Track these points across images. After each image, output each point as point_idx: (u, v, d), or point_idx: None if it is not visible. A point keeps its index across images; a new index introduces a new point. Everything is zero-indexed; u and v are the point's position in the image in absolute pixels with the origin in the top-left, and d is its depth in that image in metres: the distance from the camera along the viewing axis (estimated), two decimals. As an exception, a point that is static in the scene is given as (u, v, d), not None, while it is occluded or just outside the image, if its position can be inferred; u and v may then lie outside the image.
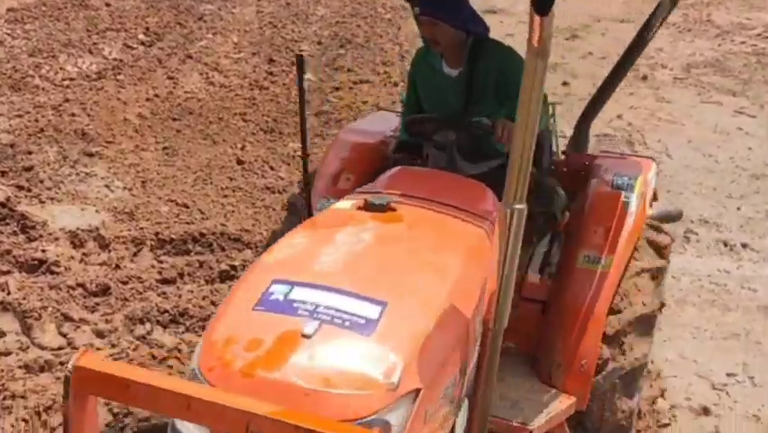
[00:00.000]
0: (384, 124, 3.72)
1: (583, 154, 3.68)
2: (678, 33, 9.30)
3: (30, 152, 5.81)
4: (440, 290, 2.11)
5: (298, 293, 1.98)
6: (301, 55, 2.85)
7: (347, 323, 1.90)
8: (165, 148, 6.11)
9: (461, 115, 3.12)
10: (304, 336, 1.84)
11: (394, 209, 2.44)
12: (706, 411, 3.76)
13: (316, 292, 1.98)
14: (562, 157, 3.71)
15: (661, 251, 3.33)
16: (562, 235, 3.23)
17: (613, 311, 2.99)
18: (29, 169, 5.59)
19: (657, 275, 3.23)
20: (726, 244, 5.22)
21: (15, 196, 5.21)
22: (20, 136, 6.04)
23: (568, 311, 2.96)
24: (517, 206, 1.91)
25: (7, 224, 4.90)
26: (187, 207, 5.26)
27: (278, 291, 1.99)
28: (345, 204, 2.55)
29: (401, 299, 2.02)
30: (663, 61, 8.46)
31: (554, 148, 3.55)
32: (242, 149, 6.17)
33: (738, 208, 5.70)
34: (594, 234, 3.07)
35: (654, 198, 3.69)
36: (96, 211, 5.21)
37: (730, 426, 3.70)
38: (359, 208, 2.45)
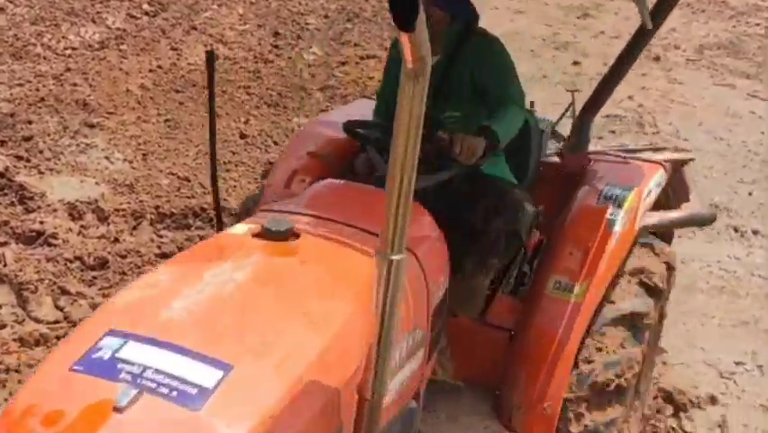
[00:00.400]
0: (363, 114, 3.16)
1: (582, 156, 3.30)
2: (691, 14, 9.13)
3: (30, 122, 5.72)
4: (309, 349, 1.76)
5: (130, 350, 1.65)
6: (212, 51, 2.53)
7: (174, 393, 1.56)
8: (167, 120, 6.02)
9: (429, 110, 2.80)
10: (115, 408, 1.52)
11: (298, 235, 2.08)
12: (713, 400, 3.69)
13: (151, 350, 1.65)
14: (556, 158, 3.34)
15: (651, 291, 2.89)
16: (542, 252, 2.91)
17: None
18: (28, 139, 5.50)
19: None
20: (736, 230, 5.13)
21: (14, 166, 5.13)
22: (20, 105, 5.94)
23: (532, 345, 2.64)
24: (395, 256, 1.59)
25: (5, 194, 4.83)
26: (189, 181, 5.18)
27: (108, 347, 1.67)
28: (242, 228, 2.18)
29: (254, 362, 1.68)
30: (676, 42, 8.32)
31: (545, 149, 3.23)
32: (246, 123, 6.07)
33: (750, 194, 5.60)
34: (569, 257, 2.71)
35: (686, 198, 3.47)
36: (96, 183, 5.13)
37: (738, 415, 3.62)
38: (255, 235, 2.08)
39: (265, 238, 2.05)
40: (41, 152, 5.39)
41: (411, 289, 2.07)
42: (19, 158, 5.26)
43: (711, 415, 3.61)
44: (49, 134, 5.61)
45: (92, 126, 5.78)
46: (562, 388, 2.59)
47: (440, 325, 2.36)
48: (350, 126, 2.77)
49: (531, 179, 3.04)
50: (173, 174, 5.25)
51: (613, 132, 6.36)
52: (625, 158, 3.41)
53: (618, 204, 2.82)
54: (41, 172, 5.17)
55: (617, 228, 2.76)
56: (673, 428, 3.50)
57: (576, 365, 2.65)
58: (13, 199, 4.80)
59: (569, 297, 2.64)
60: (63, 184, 5.08)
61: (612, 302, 2.76)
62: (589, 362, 2.66)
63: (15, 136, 5.51)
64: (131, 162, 5.40)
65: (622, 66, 3.19)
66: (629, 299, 2.78)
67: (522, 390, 2.62)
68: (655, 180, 3.12)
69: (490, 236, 2.67)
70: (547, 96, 7.07)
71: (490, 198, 2.71)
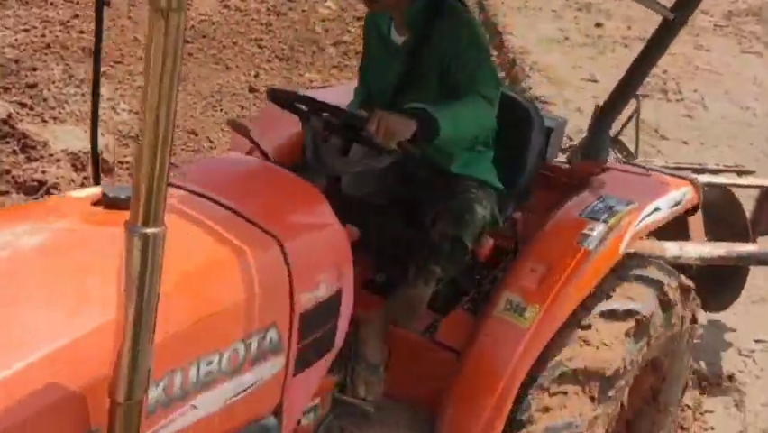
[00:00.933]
0: (349, 93, 2.81)
1: (594, 163, 2.85)
2: (720, -22, 8.85)
3: (35, 69, 5.58)
4: (59, 335, 1.45)
5: None
6: None
7: None
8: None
9: (395, 98, 2.45)
10: None
11: None
12: (731, 378, 3.57)
13: None
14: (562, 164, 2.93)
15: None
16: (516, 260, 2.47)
17: None
18: (33, 86, 5.36)
19: None
20: (760, 203, 4.95)
21: (17, 113, 4.99)
22: (25, 51, 5.80)
23: (468, 373, 2.26)
24: (150, 229, 1.30)
25: (7, 142, 4.69)
26: (195, 135, 5.06)
27: None
28: (86, 191, 1.92)
29: None
30: (704, 7, 8.02)
31: (553, 151, 2.80)
32: (256, 76, 5.92)
33: (775, 165, 5.41)
34: (529, 274, 2.30)
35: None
36: (101, 134, 4.95)
37: (756, 394, 3.50)
38: (95, 202, 1.82)
39: (103, 205, 1.79)
40: (44, 99, 5.25)
41: (262, 281, 1.77)
42: (22, 105, 5.12)
43: (729, 393, 3.49)
44: (53, 82, 5.46)
45: (98, 75, 5.64)
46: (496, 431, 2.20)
47: (323, 333, 2.00)
48: (275, 95, 2.39)
49: (526, 182, 2.65)
50: (179, 127, 5.12)
51: (634, 97, 6.16)
52: (648, 169, 2.94)
53: (604, 219, 2.39)
54: (44, 121, 5.04)
55: (593, 246, 2.32)
56: (689, 406, 3.38)
57: (516, 421, 2.22)
58: (15, 148, 4.67)
59: (517, 320, 2.23)
60: (67, 133, 4.93)
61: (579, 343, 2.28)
62: (530, 421, 2.22)
63: (19, 83, 5.37)
64: (137, 113, 5.27)
65: (646, 62, 2.81)
66: (599, 348, 2.28)
67: (449, 423, 2.25)
68: (671, 198, 2.67)
69: (432, 240, 2.33)
70: (568, 60, 6.88)
71: (444, 198, 2.40)
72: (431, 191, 2.44)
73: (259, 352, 1.75)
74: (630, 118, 3.83)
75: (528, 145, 2.64)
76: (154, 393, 1.52)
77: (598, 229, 2.36)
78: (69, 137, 4.91)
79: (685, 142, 5.64)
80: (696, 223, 3.22)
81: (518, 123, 2.61)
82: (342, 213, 2.34)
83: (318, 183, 2.15)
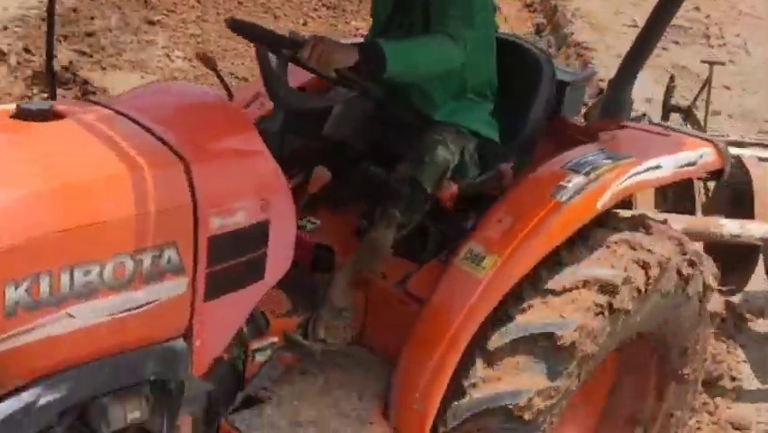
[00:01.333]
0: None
1: (611, 122, 2.60)
2: None
3: (92, 18, 5.80)
4: None
5: None
6: None
7: None
8: (227, 20, 6.02)
9: (386, 34, 2.36)
10: None
11: (61, 116, 1.82)
12: (764, 313, 3.67)
13: None
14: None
15: None
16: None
17: None
18: (91, 34, 5.59)
19: None
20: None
21: (77, 61, 5.24)
22: (83, 1, 6.01)
23: (420, 324, 2.18)
24: None
25: (69, 88, 4.94)
26: (247, 81, 5.22)
27: None
28: (6, 106, 1.94)
29: None
30: (749, -50, 7.94)
31: (570, 107, 2.63)
32: (304, 24, 6.06)
33: (817, 111, 5.45)
34: (496, 225, 2.18)
35: None
36: (156, 80, 5.21)
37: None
38: (12, 116, 1.83)
39: (20, 117, 1.82)
40: (102, 48, 5.48)
41: (158, 199, 1.73)
42: (82, 53, 5.36)
43: (763, 328, 3.58)
44: (110, 30, 5.68)
45: (152, 24, 5.84)
46: (439, 386, 2.13)
47: (244, 262, 1.92)
48: (237, 25, 2.34)
49: (531, 135, 2.51)
50: (232, 74, 5.30)
51: (677, 43, 6.19)
52: (667, 128, 2.72)
53: (586, 173, 2.21)
54: (103, 68, 5.28)
55: (565, 199, 2.16)
56: (723, 340, 3.50)
57: (462, 390, 2.12)
58: (77, 93, 4.92)
59: (475, 270, 2.13)
60: (124, 80, 5.16)
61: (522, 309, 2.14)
62: (476, 384, 2.10)
63: (78, 32, 5.59)
64: (190, 61, 5.46)
65: (669, 6, 2.52)
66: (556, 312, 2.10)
67: (402, 370, 2.19)
68: (680, 158, 2.41)
69: (393, 182, 2.28)
70: (610, 5, 6.89)
71: (413, 140, 2.33)
72: (411, 136, 2.36)
73: (153, 269, 1.71)
74: (703, 87, 3.80)
75: (535, 96, 2.49)
76: (13, 294, 1.53)
77: (575, 181, 2.19)
78: (127, 84, 5.09)
79: (727, 87, 5.66)
80: (764, 200, 3.05)
81: (526, 72, 2.50)
82: (322, 155, 2.38)
83: (274, 119, 2.13)
